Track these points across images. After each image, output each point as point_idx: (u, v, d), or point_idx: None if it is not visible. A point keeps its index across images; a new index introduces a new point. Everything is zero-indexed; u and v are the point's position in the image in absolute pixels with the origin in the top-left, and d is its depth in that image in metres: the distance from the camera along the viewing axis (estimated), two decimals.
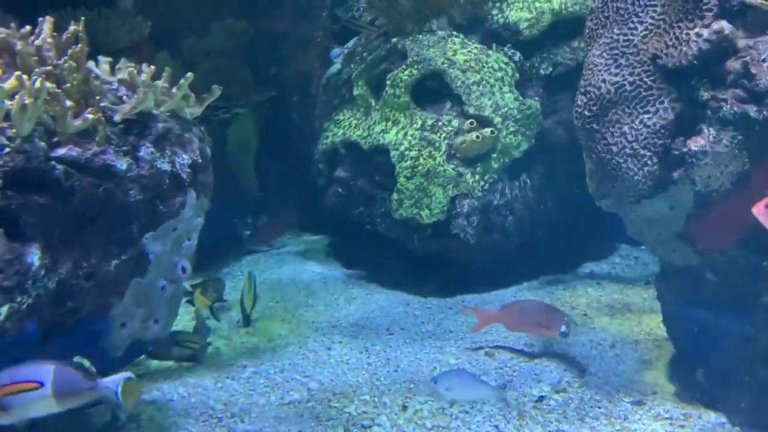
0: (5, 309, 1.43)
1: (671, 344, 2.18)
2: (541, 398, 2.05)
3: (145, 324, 1.85)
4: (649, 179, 1.91)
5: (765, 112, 1.72)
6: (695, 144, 1.82)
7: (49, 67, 1.68)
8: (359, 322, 2.66)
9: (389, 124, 2.92)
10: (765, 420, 1.81)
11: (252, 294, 2.62)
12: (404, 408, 2.00)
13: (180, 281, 1.94)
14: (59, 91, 1.62)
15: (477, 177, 2.84)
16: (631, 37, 1.99)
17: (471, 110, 2.83)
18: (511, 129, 2.86)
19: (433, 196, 2.81)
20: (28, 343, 1.50)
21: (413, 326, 2.61)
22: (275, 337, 2.54)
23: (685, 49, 1.85)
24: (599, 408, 1.99)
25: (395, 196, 2.84)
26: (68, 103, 1.61)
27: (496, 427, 1.90)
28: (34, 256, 1.49)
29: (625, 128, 1.96)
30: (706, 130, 1.81)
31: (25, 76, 1.54)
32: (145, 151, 1.74)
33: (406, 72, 2.89)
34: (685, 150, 1.84)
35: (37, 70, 1.66)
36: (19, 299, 1.45)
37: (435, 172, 2.81)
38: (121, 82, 1.85)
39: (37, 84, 1.52)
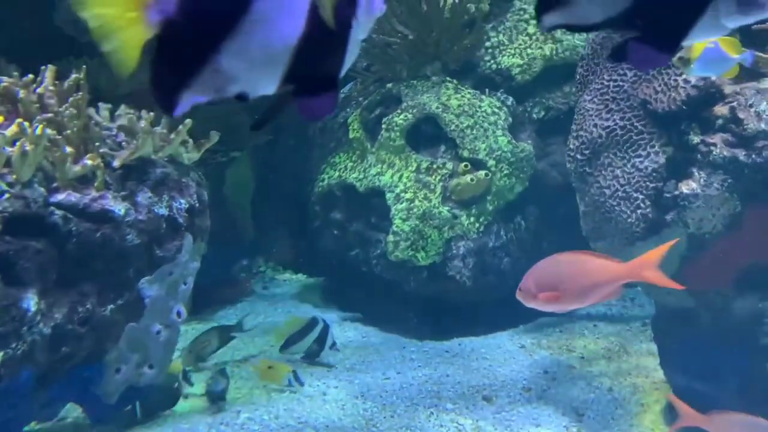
0: (0, 355, 1.42)
1: (669, 387, 2.17)
2: None
3: (140, 369, 1.84)
4: (642, 222, 1.93)
5: (754, 156, 1.76)
6: (687, 187, 1.85)
7: (50, 115, 1.71)
8: (355, 366, 2.64)
9: (385, 166, 2.95)
10: None
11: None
12: None
13: (175, 326, 1.93)
14: (59, 137, 1.64)
15: (472, 219, 2.86)
16: (621, 83, 2.04)
17: (465, 153, 2.87)
18: (505, 172, 2.89)
19: (428, 238, 2.82)
20: (22, 389, 1.49)
21: (410, 370, 2.59)
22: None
23: (673, 94, 1.90)
24: None
25: (391, 238, 2.85)
26: (68, 149, 1.63)
27: None
28: (31, 301, 1.49)
29: (618, 171, 1.99)
30: (697, 174, 1.85)
31: (26, 123, 1.57)
32: (143, 196, 1.76)
33: (401, 116, 2.94)
34: (677, 193, 1.87)
35: (38, 117, 1.68)
36: (14, 345, 1.45)
37: (430, 214, 2.82)
38: (120, 128, 1.87)
39: (38, 131, 1.55)
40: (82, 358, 1.66)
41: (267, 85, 0.66)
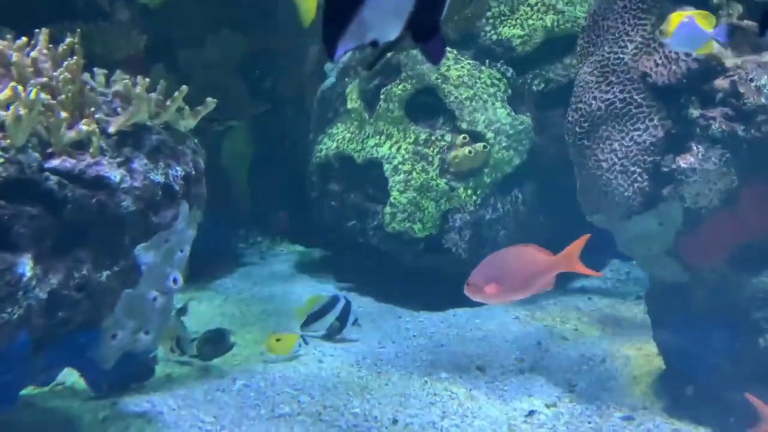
0: None
1: (661, 360, 2.19)
2: (532, 413, 2.05)
3: (136, 336, 1.85)
4: (639, 195, 1.93)
5: (752, 131, 1.75)
6: (684, 161, 1.85)
7: (44, 79, 1.69)
8: (351, 335, 2.66)
9: (383, 137, 2.93)
10: None
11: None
12: (395, 422, 1.99)
13: (171, 293, 1.94)
14: (54, 102, 1.63)
15: (469, 192, 2.86)
16: (621, 56, 2.02)
17: (464, 125, 2.85)
18: (504, 144, 2.88)
19: (425, 210, 2.82)
20: (19, 354, 1.50)
21: (405, 339, 2.61)
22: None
23: (674, 67, 1.88)
24: (589, 423, 1.99)
25: (388, 209, 2.85)
26: (63, 114, 1.62)
27: None
28: (26, 266, 1.49)
29: (616, 145, 1.98)
30: (695, 148, 1.84)
31: (20, 88, 1.55)
32: (139, 162, 1.75)
33: (400, 87, 2.91)
34: (674, 167, 1.87)
35: (32, 81, 1.67)
36: (9, 310, 1.45)
37: (428, 186, 2.82)
38: (116, 94, 1.85)
39: (32, 95, 1.53)
40: (78, 323, 1.67)
41: (393, 32, 0.76)
